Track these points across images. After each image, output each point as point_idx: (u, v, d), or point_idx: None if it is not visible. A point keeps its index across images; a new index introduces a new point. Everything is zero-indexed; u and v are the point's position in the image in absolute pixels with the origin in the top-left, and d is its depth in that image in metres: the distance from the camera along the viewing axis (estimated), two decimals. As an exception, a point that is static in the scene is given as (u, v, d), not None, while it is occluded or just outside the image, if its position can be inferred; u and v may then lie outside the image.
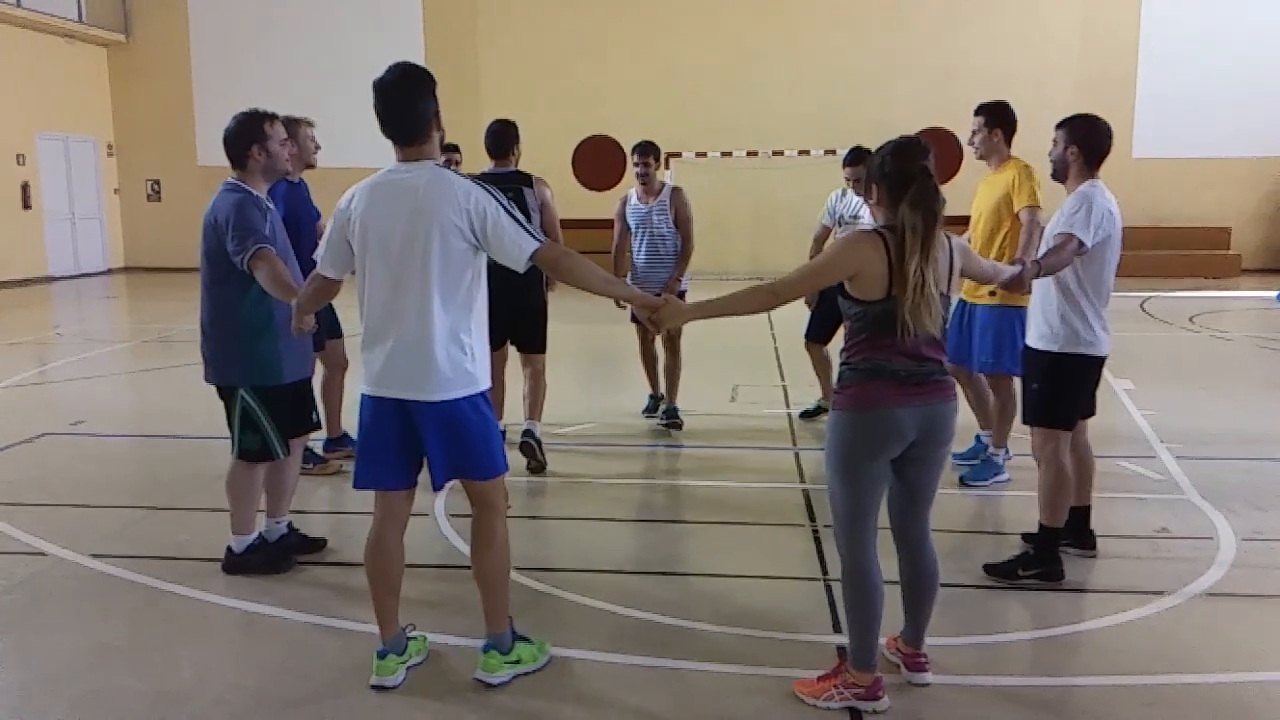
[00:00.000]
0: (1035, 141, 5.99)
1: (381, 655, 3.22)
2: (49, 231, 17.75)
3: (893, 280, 2.86)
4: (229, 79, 18.08)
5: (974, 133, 5.24)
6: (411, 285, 3.00)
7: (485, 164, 5.66)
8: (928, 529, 3.15)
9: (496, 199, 3.03)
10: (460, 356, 3.03)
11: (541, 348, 5.82)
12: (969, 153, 5.56)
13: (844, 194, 6.60)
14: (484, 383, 3.13)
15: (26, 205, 17.19)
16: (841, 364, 3.03)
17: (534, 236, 3.03)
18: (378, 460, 3.14)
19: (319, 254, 3.23)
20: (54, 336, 11.64)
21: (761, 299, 3.03)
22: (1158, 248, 16.34)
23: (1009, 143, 5.23)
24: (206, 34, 19.03)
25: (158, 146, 19.22)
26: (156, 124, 19.18)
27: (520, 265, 3.05)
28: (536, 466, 5.55)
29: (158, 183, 19.58)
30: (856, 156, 6.42)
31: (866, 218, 6.30)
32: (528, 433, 5.61)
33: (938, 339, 2.96)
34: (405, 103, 3.05)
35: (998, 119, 5.18)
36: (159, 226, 19.01)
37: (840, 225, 6.56)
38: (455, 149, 6.56)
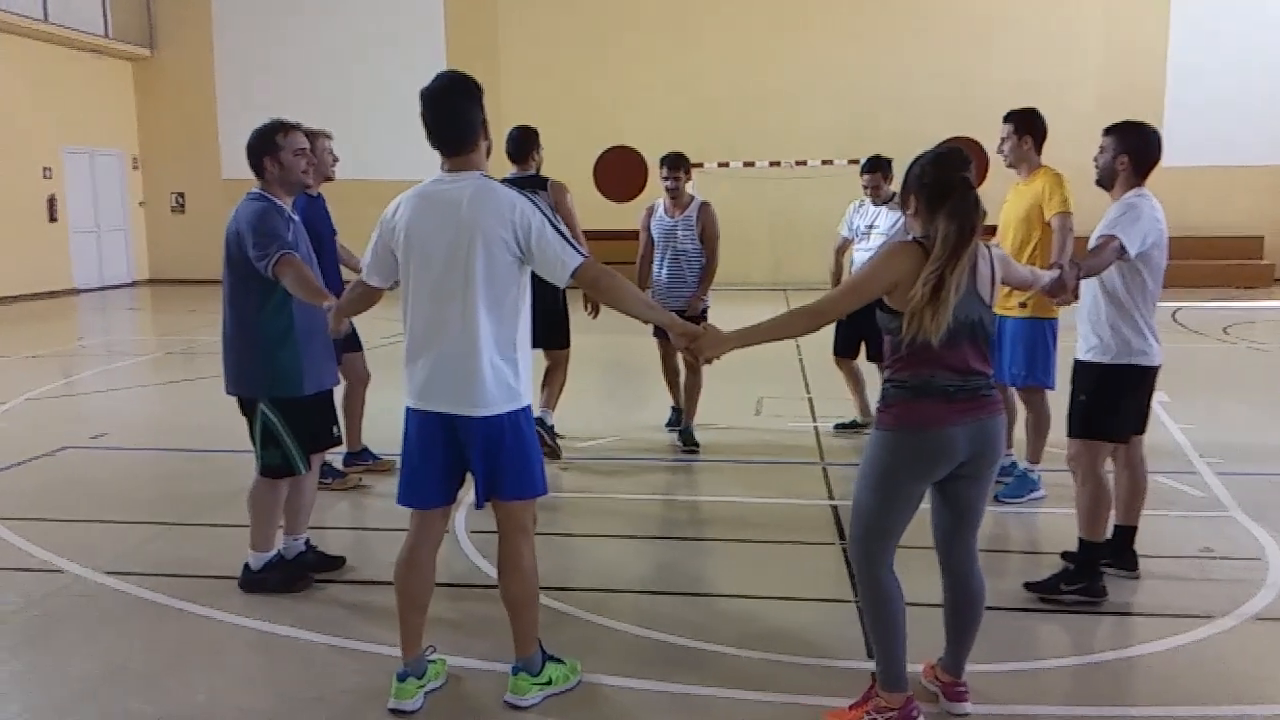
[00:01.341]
0: (1061, 150, 5.86)
1: (401, 678, 3.13)
2: (74, 244, 17.89)
3: None
4: (253, 93, 18.19)
5: (1003, 140, 5.12)
6: (456, 298, 2.93)
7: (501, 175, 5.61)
8: (975, 551, 3.02)
9: (542, 211, 2.96)
10: (505, 371, 2.97)
11: (565, 343, 5.84)
12: (995, 161, 5.43)
13: (861, 204, 6.49)
14: (528, 397, 3.06)
15: (53, 218, 17.34)
16: (885, 380, 2.91)
17: (579, 252, 2.96)
18: (422, 477, 3.06)
19: (364, 262, 3.17)
20: (78, 348, 11.67)
21: (804, 321, 2.92)
22: (1189, 257, 16.02)
23: (1039, 150, 5.10)
24: (231, 48, 19.19)
25: (182, 159, 19.38)
26: (181, 137, 19.34)
27: (562, 281, 2.99)
28: (548, 452, 5.46)
29: (182, 195, 19.73)
30: (874, 164, 6.36)
31: (881, 227, 6.23)
32: (538, 420, 5.52)
33: (982, 351, 2.85)
34: (453, 111, 2.99)
35: (1027, 126, 5.06)
36: (183, 239, 19.14)
37: (857, 237, 6.46)
38: None
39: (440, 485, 3.07)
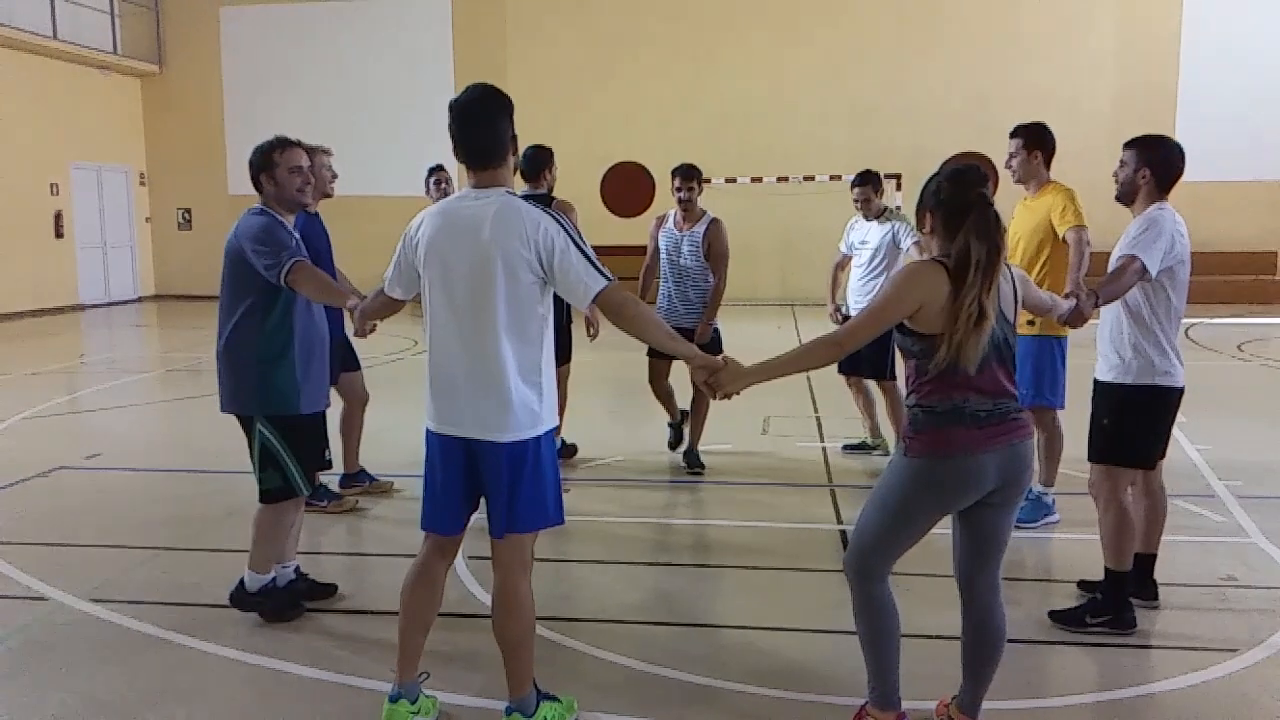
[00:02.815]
0: (1073, 166, 5.74)
1: (394, 699, 3.03)
2: (81, 260, 17.89)
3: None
4: (260, 109, 18.22)
5: (1011, 155, 5.01)
6: (477, 319, 2.82)
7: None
8: (999, 583, 2.89)
9: (567, 231, 2.84)
10: (528, 396, 2.85)
11: (565, 359, 5.76)
12: (1003, 177, 5.32)
13: (857, 220, 6.44)
14: (551, 421, 2.95)
15: (59, 234, 17.34)
16: (912, 405, 2.79)
17: (603, 275, 2.85)
18: (445, 502, 2.97)
19: (387, 274, 3.10)
20: (79, 365, 11.60)
21: (826, 352, 2.81)
22: (1201, 273, 15.66)
23: (1048, 165, 5.00)
24: (238, 65, 19.24)
25: (189, 176, 19.40)
26: (188, 153, 19.37)
27: (584, 304, 2.87)
28: None
29: (189, 211, 19.73)
30: (864, 178, 6.35)
31: (872, 242, 6.23)
32: None
33: (1010, 371, 2.75)
34: (484, 124, 2.89)
35: (1037, 141, 4.95)
36: (189, 254, 19.11)
37: (853, 252, 6.40)
38: (442, 168, 6.42)
39: (463, 509, 2.99)
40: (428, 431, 2.97)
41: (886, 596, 2.83)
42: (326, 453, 4.10)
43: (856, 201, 6.33)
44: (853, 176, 6.43)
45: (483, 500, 2.98)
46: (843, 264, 6.68)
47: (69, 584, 4.29)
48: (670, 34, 17.95)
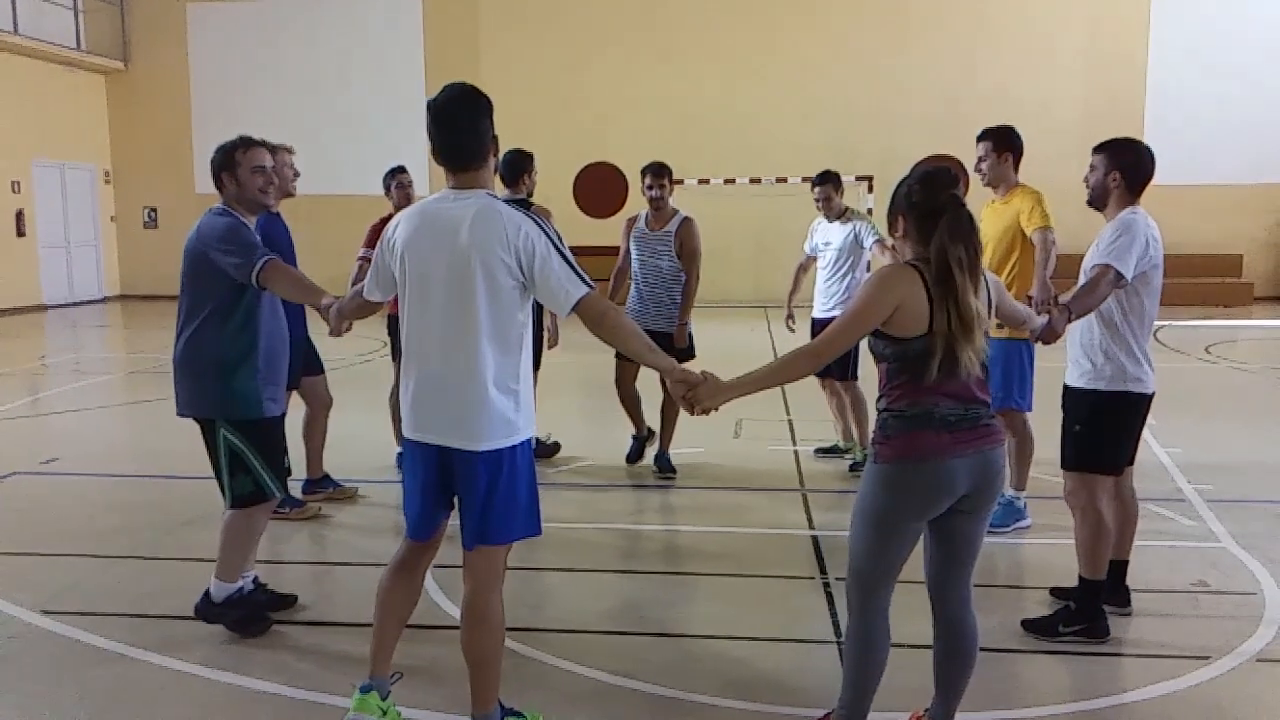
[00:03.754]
0: (1044, 169, 5.73)
1: (364, 690, 2.96)
2: (43, 259, 17.56)
3: (934, 316, 2.60)
4: (227, 107, 17.96)
5: (980, 159, 5.00)
6: (456, 323, 2.75)
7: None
8: (970, 592, 2.84)
9: (548, 235, 2.77)
10: (505, 404, 2.77)
11: (535, 365, 5.64)
12: (973, 180, 5.30)
13: (820, 221, 6.42)
14: (528, 431, 2.87)
15: (20, 233, 17.00)
16: (882, 410, 2.74)
17: (584, 282, 2.78)
18: (424, 510, 2.91)
19: (366, 278, 3.05)
20: (40, 367, 11.36)
21: (804, 363, 2.76)
22: (1169, 276, 15.65)
23: (1017, 168, 5.01)
24: (205, 63, 18.96)
25: (155, 174, 19.10)
26: (154, 151, 19.07)
27: (564, 311, 2.79)
28: None
29: (154, 210, 19.43)
30: (824, 177, 6.35)
31: (835, 243, 6.22)
32: None
33: (983, 378, 2.71)
34: (464, 124, 2.82)
35: (1006, 143, 4.95)
36: (155, 254, 18.76)
37: (817, 254, 6.40)
38: (403, 169, 6.31)
39: (438, 515, 2.95)
40: (404, 438, 2.91)
41: (882, 629, 2.78)
42: (286, 459, 4.00)
43: (818, 201, 6.33)
44: (848, 181, 6.42)
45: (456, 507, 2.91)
46: (805, 266, 6.66)
47: (19, 596, 4.15)
48: (644, 35, 17.90)
